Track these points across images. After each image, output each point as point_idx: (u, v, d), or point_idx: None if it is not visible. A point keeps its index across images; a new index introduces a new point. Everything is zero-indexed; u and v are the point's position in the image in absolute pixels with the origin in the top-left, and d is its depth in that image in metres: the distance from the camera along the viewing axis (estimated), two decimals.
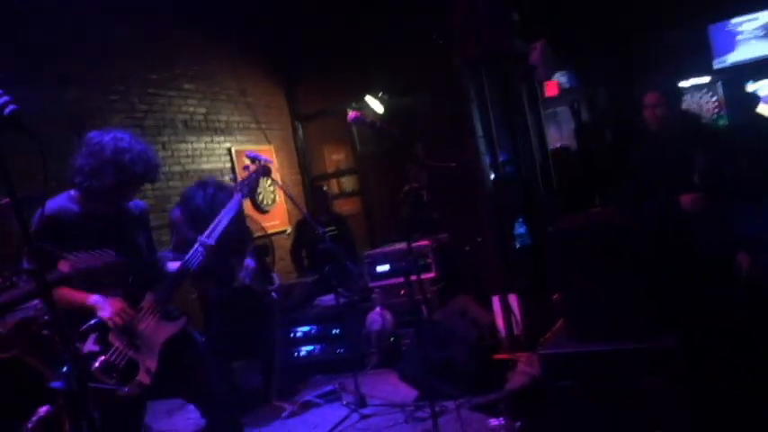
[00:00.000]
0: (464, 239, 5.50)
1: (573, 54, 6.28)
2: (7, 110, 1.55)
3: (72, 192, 2.74)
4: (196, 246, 2.92)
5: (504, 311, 4.93)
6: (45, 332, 3.79)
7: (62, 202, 2.71)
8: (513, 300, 4.93)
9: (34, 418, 3.21)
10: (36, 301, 3.62)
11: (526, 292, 4.92)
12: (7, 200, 3.00)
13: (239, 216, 3.20)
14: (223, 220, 3.03)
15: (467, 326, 4.41)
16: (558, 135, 6.83)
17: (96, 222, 2.71)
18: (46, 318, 3.72)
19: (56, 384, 2.65)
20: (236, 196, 3.17)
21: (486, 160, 4.98)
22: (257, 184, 3.36)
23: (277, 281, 5.07)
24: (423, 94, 6.56)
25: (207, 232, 2.97)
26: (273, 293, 4.90)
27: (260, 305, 4.89)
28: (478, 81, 4.78)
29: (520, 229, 6.30)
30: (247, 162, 3.53)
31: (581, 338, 3.19)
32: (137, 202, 2.93)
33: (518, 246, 5.93)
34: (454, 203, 5.71)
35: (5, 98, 1.55)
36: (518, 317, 4.91)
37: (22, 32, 4.70)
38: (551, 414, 3.28)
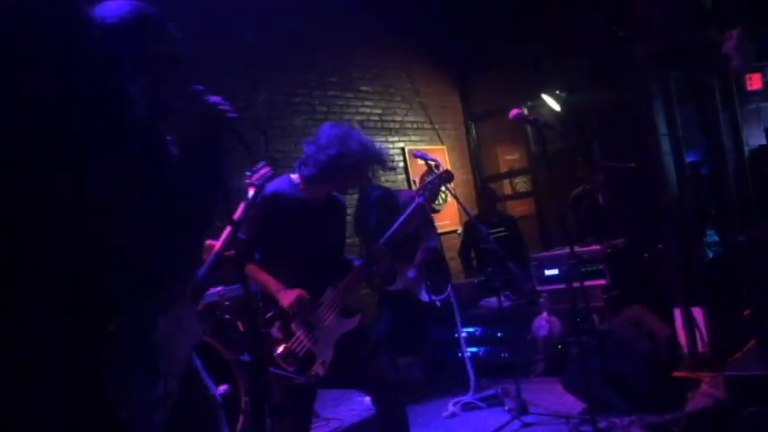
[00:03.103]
0: (643, 246, 5.11)
1: None
2: (228, 115, 1.71)
3: (293, 176, 2.90)
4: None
5: (687, 326, 4.51)
6: (227, 316, 4.13)
7: (282, 185, 2.87)
8: (698, 313, 4.49)
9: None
10: (219, 288, 3.97)
11: (714, 307, 4.45)
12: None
13: (413, 219, 3.16)
14: (395, 223, 3.05)
15: (641, 338, 4.09)
16: (761, 133, 6.11)
17: (307, 210, 2.83)
18: (227, 303, 4.04)
19: (244, 357, 2.85)
20: (417, 200, 3.11)
21: (671, 160, 4.57)
22: (438, 190, 3.23)
23: (447, 292, 4.93)
24: (601, 91, 6.21)
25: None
26: (437, 302, 4.78)
27: (419, 308, 4.83)
28: (663, 74, 4.39)
29: (713, 237, 5.71)
30: (419, 162, 3.51)
31: None
32: (339, 197, 3.01)
33: (711, 255, 5.38)
34: (632, 207, 5.33)
35: (226, 106, 1.72)
36: (704, 333, 4.46)
37: (223, 40, 5.16)
38: None
